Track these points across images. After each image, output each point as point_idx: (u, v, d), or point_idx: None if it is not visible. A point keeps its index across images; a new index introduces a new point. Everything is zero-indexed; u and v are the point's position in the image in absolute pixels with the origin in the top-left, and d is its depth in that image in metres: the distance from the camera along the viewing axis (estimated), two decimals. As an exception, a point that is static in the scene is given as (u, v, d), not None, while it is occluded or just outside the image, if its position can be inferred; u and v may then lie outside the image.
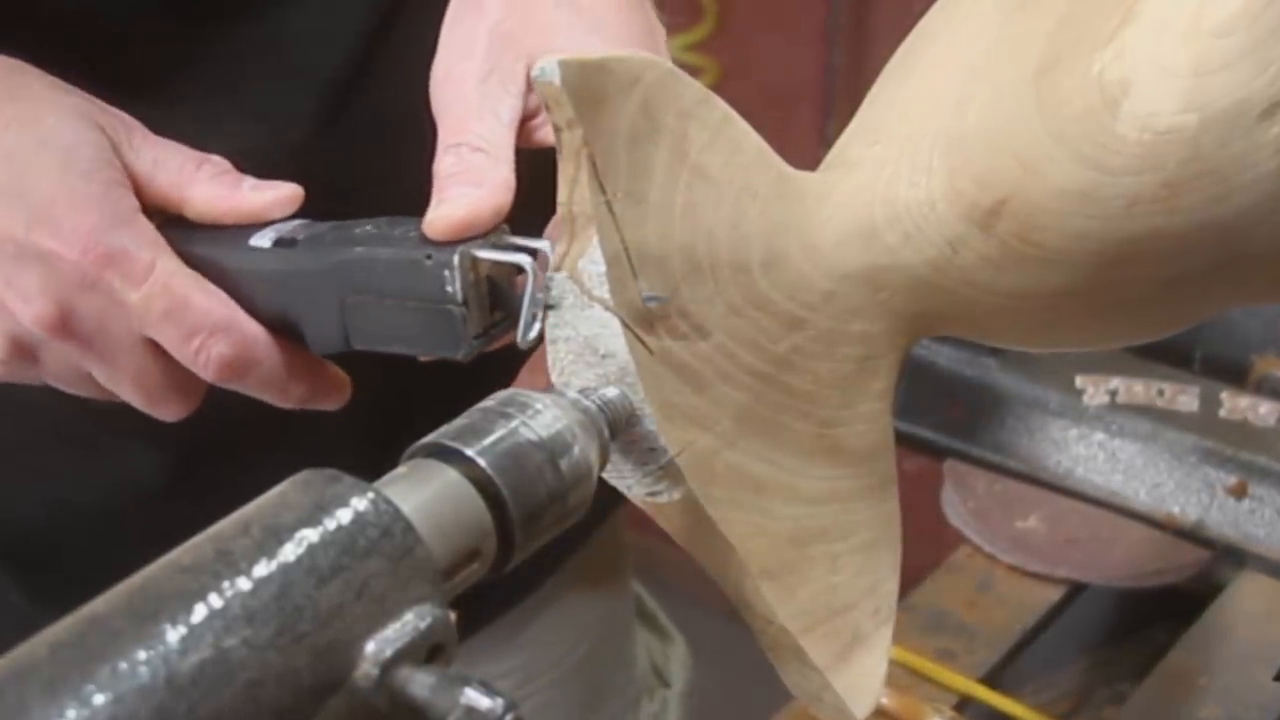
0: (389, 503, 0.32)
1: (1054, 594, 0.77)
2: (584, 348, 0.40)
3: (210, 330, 0.45)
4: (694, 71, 0.78)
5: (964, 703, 0.70)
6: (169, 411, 0.48)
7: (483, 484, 0.35)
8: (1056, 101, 0.40)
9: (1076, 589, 0.78)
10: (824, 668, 0.43)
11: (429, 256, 0.43)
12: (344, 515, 0.31)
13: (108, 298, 0.45)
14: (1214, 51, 0.38)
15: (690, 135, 0.41)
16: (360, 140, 0.58)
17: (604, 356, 0.40)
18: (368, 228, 0.45)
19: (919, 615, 0.74)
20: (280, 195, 0.48)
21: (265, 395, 0.48)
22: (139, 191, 0.47)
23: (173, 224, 0.48)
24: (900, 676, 0.70)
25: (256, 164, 0.49)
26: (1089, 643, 0.83)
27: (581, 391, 0.39)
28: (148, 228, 0.46)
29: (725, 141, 0.41)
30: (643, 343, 0.40)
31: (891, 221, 0.42)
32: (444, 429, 0.36)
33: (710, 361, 0.41)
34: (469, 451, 0.35)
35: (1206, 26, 0.39)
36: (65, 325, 0.45)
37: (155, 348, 0.46)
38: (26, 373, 0.48)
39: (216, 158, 0.49)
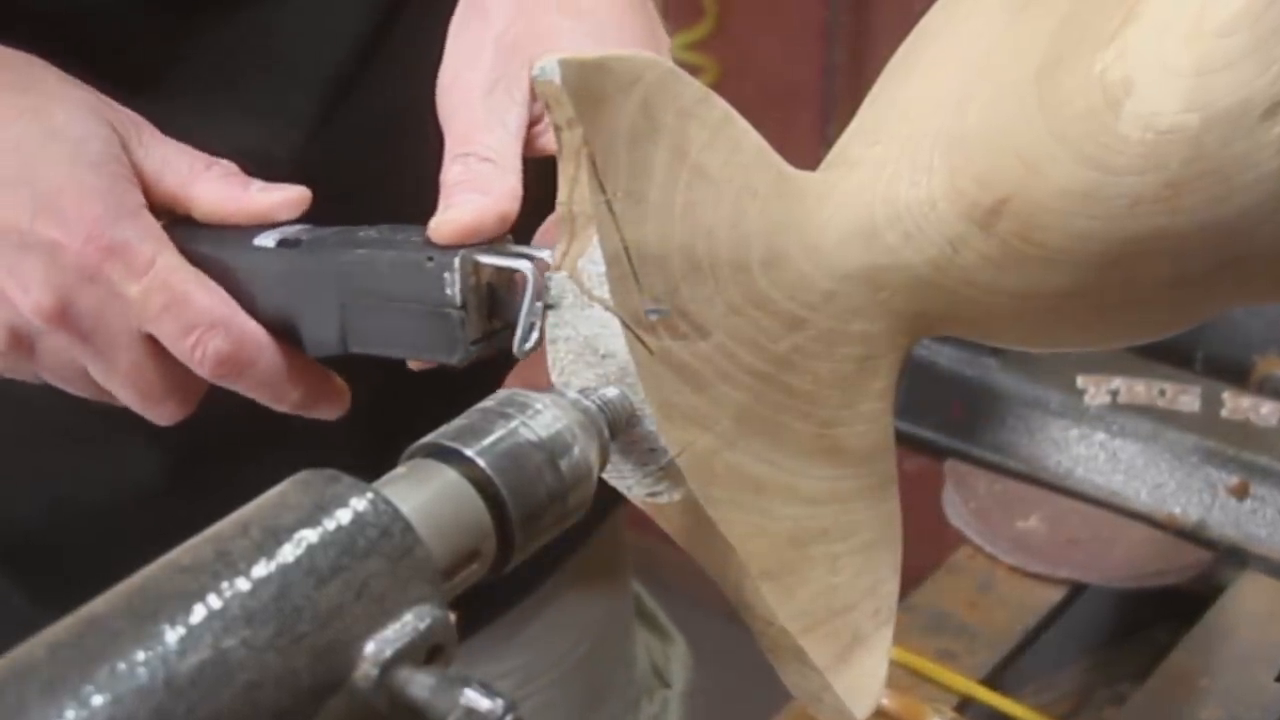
0: (388, 503, 0.32)
1: (1055, 594, 0.76)
2: (584, 347, 0.40)
3: (208, 326, 0.45)
4: (694, 71, 0.78)
5: (965, 703, 0.70)
6: (164, 413, 0.48)
7: (482, 484, 0.35)
8: (1058, 101, 0.40)
9: (1077, 589, 0.78)
10: (824, 668, 0.43)
11: (430, 259, 0.43)
12: (343, 516, 0.31)
13: (108, 290, 0.45)
14: (1216, 51, 0.38)
15: (690, 134, 0.41)
16: (360, 140, 0.58)
17: (604, 356, 0.40)
18: (371, 232, 0.45)
19: (919, 616, 0.74)
20: (288, 197, 0.48)
21: (262, 397, 0.48)
22: (146, 190, 0.48)
23: (178, 223, 0.48)
24: (901, 677, 0.70)
25: (256, 162, 0.49)
26: (1090, 643, 0.82)
27: (581, 391, 0.39)
28: (151, 223, 0.46)
29: (725, 140, 0.41)
30: (643, 343, 0.40)
31: (892, 221, 0.42)
32: (443, 429, 0.36)
33: (710, 361, 0.41)
34: (468, 452, 0.35)
35: (1209, 26, 0.38)
36: (64, 316, 0.45)
37: (153, 345, 0.46)
38: (24, 366, 0.48)
39: (225, 160, 0.49)
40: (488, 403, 0.37)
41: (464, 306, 0.42)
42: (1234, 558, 0.78)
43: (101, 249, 0.45)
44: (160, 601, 0.29)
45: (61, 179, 0.45)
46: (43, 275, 0.45)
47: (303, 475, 0.32)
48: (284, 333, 0.47)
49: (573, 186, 0.39)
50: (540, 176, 0.46)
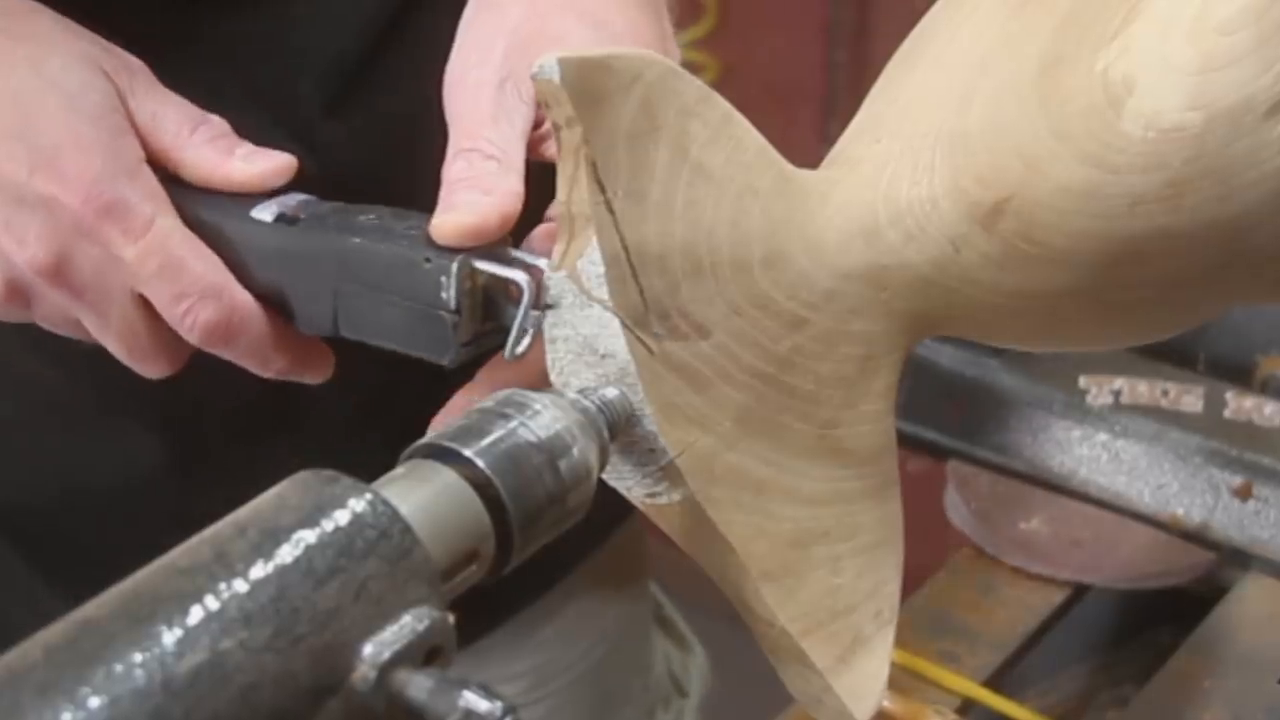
0: (387, 504, 0.32)
1: (1057, 596, 0.76)
2: (583, 348, 0.40)
3: (200, 294, 0.45)
4: (694, 69, 0.78)
5: (966, 706, 0.70)
6: (151, 368, 0.48)
7: (481, 485, 0.35)
8: (1060, 99, 0.40)
9: (1080, 591, 0.77)
10: (825, 670, 0.43)
11: (428, 260, 0.42)
12: (341, 517, 0.31)
13: (104, 250, 0.45)
14: (1220, 48, 0.38)
15: (691, 133, 0.40)
16: (365, 132, 0.57)
17: (603, 356, 0.40)
18: (371, 217, 0.45)
19: (921, 617, 0.74)
20: (270, 168, 0.47)
21: (247, 364, 0.48)
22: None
23: (178, 182, 0.48)
24: (902, 679, 0.70)
25: (258, 144, 0.49)
26: (1093, 645, 0.82)
27: (581, 392, 0.39)
28: (151, 180, 0.46)
29: (726, 139, 0.41)
30: (642, 343, 0.40)
31: (894, 220, 0.42)
32: (442, 429, 0.36)
33: (711, 362, 0.41)
34: (467, 452, 0.35)
35: (1212, 23, 0.38)
36: (59, 273, 0.45)
37: (145, 304, 0.47)
38: (20, 314, 0.48)
39: (215, 119, 0.48)
40: (487, 403, 0.37)
41: (458, 310, 0.42)
42: (1237, 559, 0.78)
43: (99, 208, 0.45)
44: (157, 603, 0.29)
45: (60, 133, 0.45)
46: (39, 231, 0.45)
47: (301, 476, 0.32)
48: (276, 305, 0.47)
49: (571, 186, 0.39)
50: (537, 181, 0.46)
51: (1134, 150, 0.39)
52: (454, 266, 0.42)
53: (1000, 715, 0.71)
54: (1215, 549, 0.78)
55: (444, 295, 0.42)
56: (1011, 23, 0.42)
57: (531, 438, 0.36)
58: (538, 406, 0.37)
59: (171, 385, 0.51)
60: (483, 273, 0.42)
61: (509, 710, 0.30)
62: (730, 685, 0.88)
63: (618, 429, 0.39)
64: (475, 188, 0.44)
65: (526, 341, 0.41)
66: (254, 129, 0.50)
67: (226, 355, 0.47)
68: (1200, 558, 0.78)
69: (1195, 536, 0.79)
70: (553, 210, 0.43)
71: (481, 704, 0.30)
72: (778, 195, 0.42)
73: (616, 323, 0.39)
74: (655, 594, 0.83)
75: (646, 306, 0.40)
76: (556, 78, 0.38)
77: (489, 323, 0.43)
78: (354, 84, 0.57)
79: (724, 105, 0.42)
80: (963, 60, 0.43)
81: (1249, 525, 0.78)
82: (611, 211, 0.39)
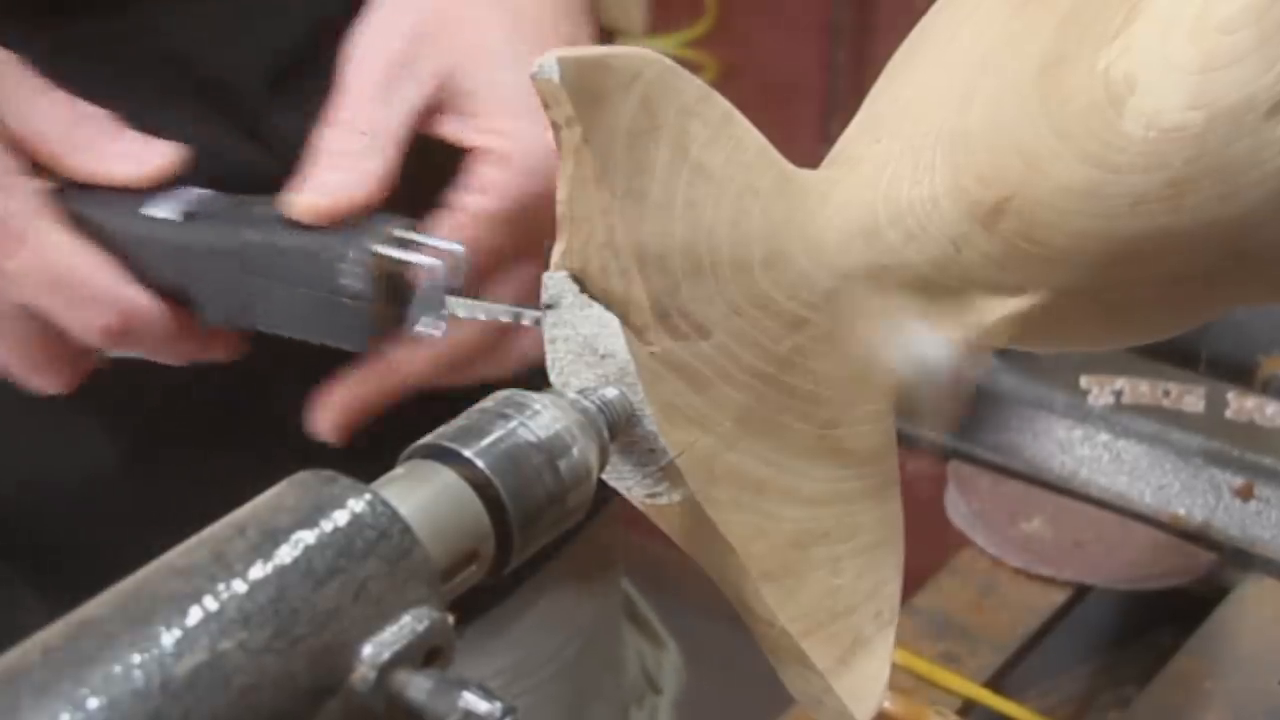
0: (386, 504, 0.32)
1: (1058, 597, 0.76)
2: (583, 347, 0.40)
3: (90, 301, 0.45)
4: (694, 68, 0.78)
5: (967, 707, 0.70)
6: (45, 382, 0.48)
7: (481, 485, 0.35)
8: (1061, 98, 0.40)
9: (1081, 591, 0.77)
10: (825, 671, 0.42)
11: (329, 249, 0.43)
12: (341, 517, 0.31)
13: None
14: (1221, 47, 0.38)
15: (691, 132, 0.40)
16: (316, 123, 0.57)
17: (603, 356, 0.39)
18: (269, 208, 0.45)
19: (922, 618, 0.74)
20: (155, 166, 0.46)
21: (155, 358, 0.48)
22: (23, 149, 0.46)
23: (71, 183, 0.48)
24: (903, 680, 0.70)
25: (210, 137, 0.49)
26: (1094, 646, 0.82)
27: (581, 392, 0.39)
28: (24, 191, 0.46)
29: (726, 139, 0.41)
30: (643, 343, 0.39)
31: (894, 219, 0.42)
32: (441, 429, 0.36)
33: (711, 362, 0.41)
34: (467, 453, 0.35)
35: (1213, 22, 0.38)
36: None
37: (39, 315, 0.46)
38: None
39: (92, 112, 0.47)
40: (486, 403, 0.37)
41: (364, 297, 0.42)
42: (1239, 560, 0.78)
43: None
44: (155, 604, 0.29)
45: None
46: None
47: (300, 476, 0.32)
48: (182, 301, 0.47)
49: (571, 185, 0.39)
50: (428, 156, 0.45)
51: (1135, 150, 0.39)
52: (356, 255, 0.42)
53: (1001, 716, 0.71)
54: (1217, 549, 0.78)
55: (347, 282, 0.42)
56: (1013, 22, 0.42)
57: (531, 438, 0.36)
58: (537, 406, 0.37)
59: (135, 385, 0.51)
60: (387, 258, 0.43)
61: (509, 711, 0.30)
62: (705, 681, 0.88)
63: (618, 429, 0.39)
64: (337, 167, 0.44)
65: (441, 326, 0.42)
66: (205, 120, 0.49)
67: (133, 353, 0.47)
68: (1201, 558, 0.78)
69: (1196, 537, 0.79)
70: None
71: (481, 705, 0.30)
72: (778, 195, 0.42)
73: (616, 322, 0.39)
74: (628, 590, 0.83)
75: (651, 307, 0.40)
76: (556, 77, 0.38)
77: (397, 307, 0.43)
78: (303, 73, 0.57)
79: (724, 104, 0.42)
80: (963, 59, 0.43)
81: (1250, 526, 0.78)
82: (613, 211, 0.39)
